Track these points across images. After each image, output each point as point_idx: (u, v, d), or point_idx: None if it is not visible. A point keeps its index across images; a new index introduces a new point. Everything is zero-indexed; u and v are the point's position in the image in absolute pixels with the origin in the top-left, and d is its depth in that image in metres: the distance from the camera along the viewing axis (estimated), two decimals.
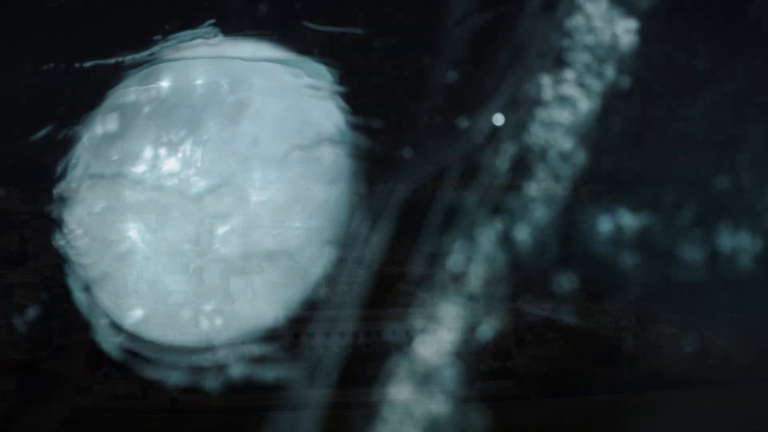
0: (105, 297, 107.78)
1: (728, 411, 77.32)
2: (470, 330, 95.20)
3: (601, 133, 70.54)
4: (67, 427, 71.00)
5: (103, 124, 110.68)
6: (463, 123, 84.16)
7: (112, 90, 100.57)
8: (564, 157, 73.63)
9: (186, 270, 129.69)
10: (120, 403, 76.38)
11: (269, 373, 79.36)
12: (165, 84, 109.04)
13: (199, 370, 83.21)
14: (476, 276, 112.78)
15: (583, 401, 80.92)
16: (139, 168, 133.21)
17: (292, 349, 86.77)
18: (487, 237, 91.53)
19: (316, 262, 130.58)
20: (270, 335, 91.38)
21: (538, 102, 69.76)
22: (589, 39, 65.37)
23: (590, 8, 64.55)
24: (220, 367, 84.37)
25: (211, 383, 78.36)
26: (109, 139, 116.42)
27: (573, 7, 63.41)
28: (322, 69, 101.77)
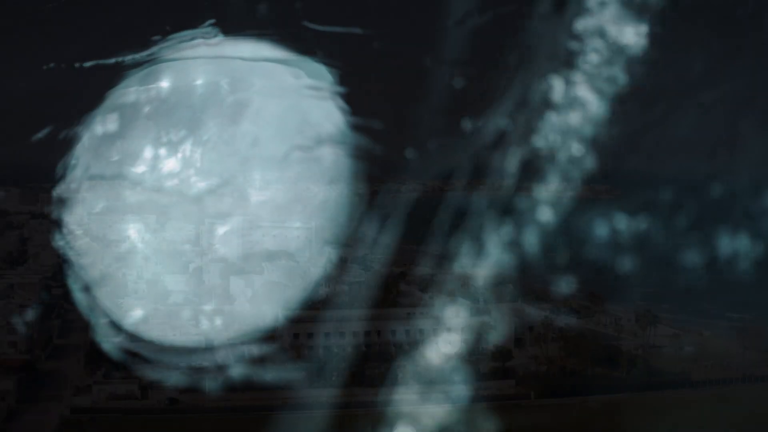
0: (105, 297, 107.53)
1: (728, 411, 77.21)
2: (473, 331, 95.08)
3: (606, 134, 70.45)
4: (67, 427, 70.88)
5: (103, 124, 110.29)
6: (469, 125, 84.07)
7: (112, 90, 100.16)
8: (570, 159, 73.56)
9: (186, 270, 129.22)
10: (119, 403, 76.29)
11: (269, 374, 79.30)
12: (165, 84, 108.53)
13: (199, 370, 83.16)
14: (480, 277, 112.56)
15: (583, 401, 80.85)
16: (139, 168, 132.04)
17: (291, 350, 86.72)
18: (492, 239, 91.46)
19: (316, 262, 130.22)
20: (270, 335, 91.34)
21: (546, 104, 69.65)
22: (598, 42, 65.34)
23: (598, 12, 64.52)
24: (220, 368, 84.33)
25: (210, 383, 78.30)
26: (109, 139, 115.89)
27: (581, 10, 63.34)
28: (322, 69, 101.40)
